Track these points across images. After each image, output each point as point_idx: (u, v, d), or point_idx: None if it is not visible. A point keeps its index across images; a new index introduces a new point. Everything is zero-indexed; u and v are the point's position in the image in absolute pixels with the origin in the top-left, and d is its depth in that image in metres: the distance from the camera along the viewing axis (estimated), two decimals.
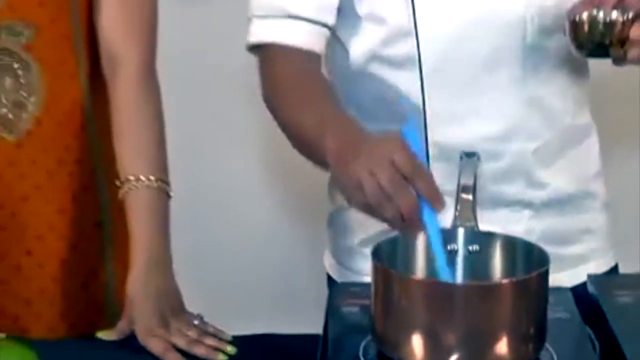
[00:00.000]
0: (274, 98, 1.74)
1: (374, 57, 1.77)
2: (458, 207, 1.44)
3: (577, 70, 1.83)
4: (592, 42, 1.58)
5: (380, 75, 1.77)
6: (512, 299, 1.31)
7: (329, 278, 1.90)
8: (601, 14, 1.55)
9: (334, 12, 1.76)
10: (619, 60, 1.60)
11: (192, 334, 1.52)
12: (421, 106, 1.72)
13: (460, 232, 1.41)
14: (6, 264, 1.64)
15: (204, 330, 1.53)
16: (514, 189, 1.76)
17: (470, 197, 1.43)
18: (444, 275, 1.38)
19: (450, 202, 1.47)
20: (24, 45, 1.67)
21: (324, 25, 1.75)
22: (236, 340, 1.51)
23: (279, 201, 2.57)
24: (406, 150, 1.40)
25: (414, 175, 1.36)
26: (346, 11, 1.77)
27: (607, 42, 1.57)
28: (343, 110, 1.70)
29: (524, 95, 1.75)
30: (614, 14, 1.55)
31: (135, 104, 1.71)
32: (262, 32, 1.76)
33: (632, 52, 1.57)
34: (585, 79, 1.86)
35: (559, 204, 1.81)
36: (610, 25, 1.56)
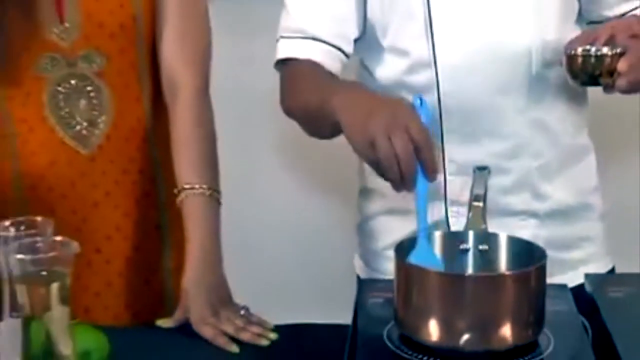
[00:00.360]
0: (292, 99, 1.82)
1: (398, 84, 1.83)
2: (470, 213, 1.51)
3: (576, 97, 1.90)
4: (585, 73, 1.68)
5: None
6: (515, 289, 1.37)
7: (358, 278, 1.93)
8: (593, 49, 1.65)
9: (352, 42, 1.84)
10: (609, 89, 1.69)
11: (239, 322, 1.58)
12: (439, 128, 1.78)
13: (471, 234, 1.49)
14: (79, 261, 1.63)
15: (249, 319, 1.60)
16: (520, 201, 1.83)
17: (481, 204, 1.51)
18: (422, 240, 1.47)
19: (464, 209, 1.58)
20: (96, 72, 1.76)
21: (341, 50, 1.82)
22: (277, 329, 1.58)
23: (315, 211, 2.57)
24: (419, 120, 1.48)
25: (424, 146, 1.44)
26: (371, 43, 1.84)
27: (598, 73, 1.66)
28: (349, 83, 1.77)
29: (529, 119, 1.82)
30: (604, 49, 1.64)
31: (192, 123, 1.78)
32: (286, 49, 1.83)
33: (620, 82, 1.65)
34: (584, 104, 1.93)
35: (560, 214, 1.87)
36: (600, 58, 1.65)
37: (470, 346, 1.34)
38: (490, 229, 1.54)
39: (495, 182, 1.67)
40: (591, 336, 1.42)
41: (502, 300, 1.37)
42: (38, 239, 1.38)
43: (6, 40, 1.73)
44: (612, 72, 1.65)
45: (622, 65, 1.64)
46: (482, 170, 1.57)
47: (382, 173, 1.48)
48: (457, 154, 1.72)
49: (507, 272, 1.46)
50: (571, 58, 1.68)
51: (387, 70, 1.86)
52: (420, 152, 1.45)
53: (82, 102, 1.77)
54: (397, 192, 1.51)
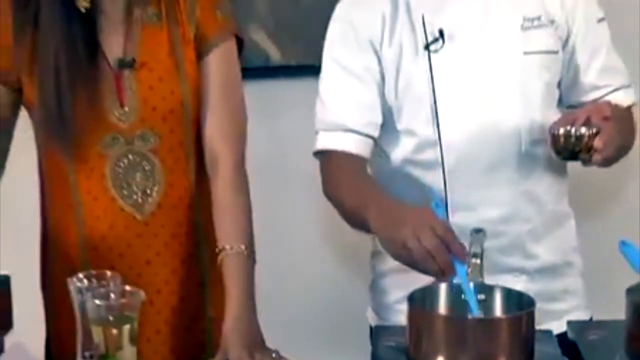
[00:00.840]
0: (332, 189, 1.91)
1: (408, 161, 1.93)
2: (470, 269, 1.59)
3: (559, 172, 1.98)
4: (567, 150, 1.76)
5: (413, 175, 1.91)
6: (509, 331, 1.47)
7: (371, 328, 2.00)
8: (573, 130, 1.73)
9: (378, 127, 1.92)
10: (587, 163, 1.76)
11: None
12: (444, 198, 1.88)
13: (471, 285, 1.56)
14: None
15: (279, 356, 1.64)
16: (513, 260, 1.90)
17: (478, 261, 1.59)
18: (474, 306, 1.54)
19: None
20: (150, 149, 1.83)
21: (371, 137, 1.91)
22: None
23: (334, 270, 2.60)
24: (440, 221, 1.60)
25: (449, 240, 1.56)
26: (389, 128, 1.93)
27: (578, 150, 1.74)
28: (382, 191, 1.84)
29: (520, 190, 1.90)
30: (582, 130, 1.72)
31: (230, 192, 1.83)
32: (325, 141, 1.93)
33: (596, 157, 1.73)
34: (565, 177, 2.00)
35: (547, 271, 1.94)
36: (580, 138, 1.73)
37: None
38: (487, 283, 1.62)
39: (491, 243, 1.71)
40: None
41: (498, 340, 1.46)
42: (111, 288, 1.48)
43: (75, 123, 1.79)
44: (589, 149, 1.73)
45: (598, 143, 1.71)
46: (478, 233, 1.62)
47: (421, 270, 1.59)
48: (458, 220, 1.76)
49: (502, 317, 1.54)
50: (555, 137, 1.75)
51: (399, 149, 1.94)
52: (450, 245, 1.56)
53: (138, 175, 1.84)
54: (441, 282, 1.60)
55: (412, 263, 1.60)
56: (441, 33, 1.86)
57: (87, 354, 1.51)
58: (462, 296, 1.58)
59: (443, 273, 1.57)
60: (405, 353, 1.52)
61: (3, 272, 1.76)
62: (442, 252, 1.56)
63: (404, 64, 1.90)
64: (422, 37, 1.88)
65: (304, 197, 2.53)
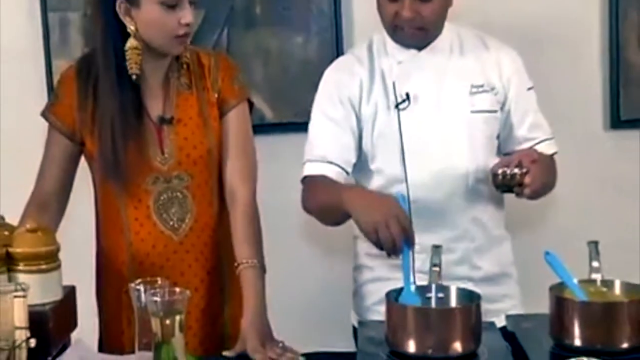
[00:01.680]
0: (310, 200, 1.96)
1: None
2: (432, 276, 1.71)
3: (498, 203, 2.08)
4: (504, 185, 1.87)
5: None
6: (462, 317, 1.60)
7: (353, 326, 2.10)
8: (508, 170, 1.84)
9: (352, 164, 2.00)
10: (519, 195, 1.87)
11: (279, 351, 1.72)
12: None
13: (433, 287, 1.70)
14: None
15: (285, 348, 1.74)
16: (462, 270, 2.00)
17: (437, 269, 1.71)
18: (407, 286, 1.66)
19: (425, 275, 1.79)
20: (184, 186, 1.91)
21: (345, 170, 1.99)
22: (304, 355, 1.72)
23: (325, 280, 2.62)
24: (404, 211, 1.71)
25: (408, 229, 1.68)
26: (364, 167, 2.04)
27: (512, 185, 1.85)
28: (351, 185, 1.93)
29: (468, 217, 2.02)
30: (515, 170, 1.83)
31: (245, 221, 1.90)
32: (310, 169, 1.98)
33: (525, 191, 1.84)
34: (502, 208, 2.11)
35: (489, 279, 2.04)
36: (513, 176, 1.84)
37: (435, 354, 1.57)
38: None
39: (446, 257, 1.80)
40: (511, 351, 1.64)
41: (454, 324, 1.59)
42: (165, 289, 1.54)
43: (127, 168, 1.86)
44: (521, 184, 1.83)
45: (527, 180, 1.82)
46: (437, 248, 1.73)
47: (380, 247, 1.70)
48: (421, 239, 1.79)
49: (457, 306, 1.68)
50: (495, 175, 1.86)
51: (373, 184, 2.02)
52: (406, 232, 1.68)
53: (175, 206, 1.91)
54: (390, 258, 1.73)
55: (377, 241, 1.69)
56: (408, 96, 1.97)
57: (144, 341, 1.57)
58: (426, 295, 1.70)
59: (395, 253, 1.69)
60: (385, 339, 1.63)
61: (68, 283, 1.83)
62: (401, 239, 1.67)
63: (378, 118, 1.99)
64: (393, 98, 1.98)
65: (295, 224, 2.62)
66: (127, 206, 1.92)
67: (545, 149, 2.02)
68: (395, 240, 1.67)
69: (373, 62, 2.03)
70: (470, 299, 1.68)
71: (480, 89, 2.00)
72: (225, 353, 1.77)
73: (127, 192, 1.91)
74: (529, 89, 2.06)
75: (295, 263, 2.59)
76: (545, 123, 2.08)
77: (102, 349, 1.93)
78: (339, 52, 2.57)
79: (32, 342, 1.59)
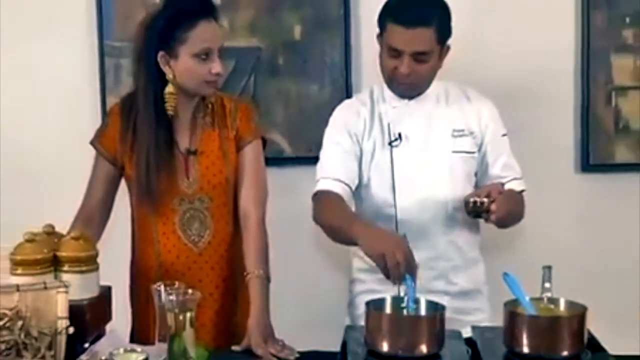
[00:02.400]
0: (321, 214, 1.99)
1: (373, 215, 2.06)
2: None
3: (474, 230, 2.14)
4: (474, 211, 1.93)
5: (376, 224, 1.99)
6: (428, 323, 1.66)
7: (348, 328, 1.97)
8: (478, 199, 1.91)
9: (355, 184, 2.04)
10: (487, 221, 1.92)
11: (279, 347, 1.78)
12: None
13: (406, 299, 1.71)
14: None
15: (284, 346, 1.80)
16: (440, 285, 2.05)
17: (414, 285, 1.75)
18: (411, 307, 1.68)
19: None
20: (205, 207, 1.97)
21: (350, 187, 2.03)
22: (299, 353, 1.79)
23: (325, 292, 2.60)
24: (407, 245, 1.76)
25: (411, 261, 1.73)
26: (360, 192, 2.08)
27: (480, 211, 1.91)
28: (359, 216, 1.98)
29: (446, 240, 2.07)
30: (485, 200, 1.90)
31: (256, 238, 1.95)
32: (321, 185, 2.02)
33: (492, 217, 1.89)
34: (477, 233, 2.14)
35: (463, 294, 2.09)
36: (482, 203, 1.90)
37: (403, 354, 1.62)
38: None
39: (426, 274, 1.89)
40: (470, 356, 1.69)
41: (421, 329, 1.66)
42: (180, 290, 1.63)
43: (158, 191, 1.93)
44: (488, 211, 1.89)
45: (493, 207, 1.88)
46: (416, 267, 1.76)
47: (386, 273, 1.73)
48: None
49: (423, 315, 1.73)
50: (467, 203, 1.92)
51: (367, 207, 2.09)
52: (409, 264, 1.73)
53: (196, 223, 1.98)
54: (394, 284, 1.77)
55: (383, 267, 1.73)
56: (400, 135, 2.03)
57: (162, 334, 1.65)
58: (400, 305, 1.74)
59: (399, 280, 1.73)
60: (365, 340, 1.69)
61: (106, 283, 1.92)
62: (404, 266, 1.71)
63: (376, 153, 2.05)
64: (387, 137, 2.04)
65: (305, 243, 2.65)
66: (157, 222, 1.99)
67: (515, 186, 2.06)
68: (401, 267, 1.71)
69: (373, 106, 2.09)
70: (435, 309, 1.74)
71: (461, 133, 2.05)
72: (234, 348, 1.83)
73: (157, 211, 1.97)
74: (503, 135, 2.10)
75: (301, 275, 2.61)
76: (517, 165, 2.11)
77: (132, 339, 1.97)
78: (348, 97, 2.59)
79: (71, 330, 1.68)
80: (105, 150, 2.00)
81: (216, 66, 1.89)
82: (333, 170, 2.03)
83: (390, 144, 2.04)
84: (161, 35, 1.86)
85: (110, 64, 2.65)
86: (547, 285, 1.79)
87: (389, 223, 2.04)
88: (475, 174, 2.11)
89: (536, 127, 2.62)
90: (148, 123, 1.91)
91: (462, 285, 2.10)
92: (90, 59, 2.64)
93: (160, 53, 1.88)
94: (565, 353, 1.66)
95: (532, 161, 2.32)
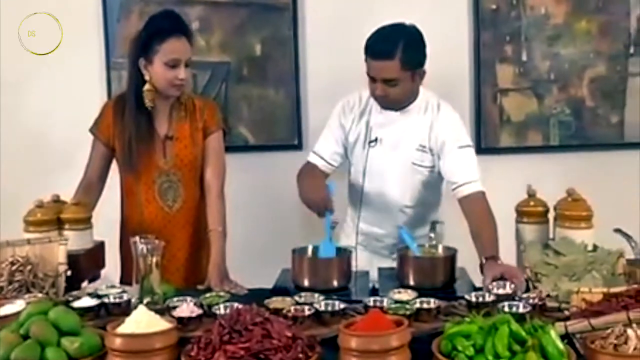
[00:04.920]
0: (298, 176, 1.96)
1: (350, 187, 2.05)
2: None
3: (420, 220, 2.01)
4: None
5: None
6: (338, 266, 1.70)
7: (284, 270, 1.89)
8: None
9: (337, 163, 2.00)
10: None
11: (232, 285, 1.77)
12: (359, 216, 2.01)
13: (334, 248, 1.78)
14: (167, 259, 1.84)
15: (236, 284, 1.79)
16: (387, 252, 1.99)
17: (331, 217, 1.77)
18: (327, 237, 1.73)
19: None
20: (178, 178, 1.95)
21: (330, 164, 2.00)
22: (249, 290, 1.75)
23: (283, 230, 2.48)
24: (329, 191, 1.80)
25: (328, 203, 1.78)
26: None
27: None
28: (320, 179, 1.91)
29: (393, 224, 1.99)
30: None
31: (216, 202, 1.94)
32: (310, 157, 2.01)
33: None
34: (425, 224, 1.98)
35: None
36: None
37: (320, 287, 1.65)
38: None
39: (376, 244, 1.96)
40: (372, 288, 1.72)
41: (332, 268, 1.71)
42: (149, 241, 1.58)
43: (138, 165, 1.91)
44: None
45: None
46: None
47: (314, 211, 1.78)
48: (364, 228, 1.96)
49: (334, 257, 1.75)
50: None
51: (348, 181, 2.05)
52: (328, 203, 1.78)
53: (171, 192, 1.96)
54: (320, 217, 1.78)
55: (310, 207, 1.77)
56: (376, 139, 1.96)
57: (139, 277, 1.58)
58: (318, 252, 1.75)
59: (321, 214, 1.77)
60: (292, 278, 1.74)
61: (100, 239, 1.93)
62: (324, 207, 1.77)
63: (356, 146, 2.00)
64: (368, 137, 1.98)
65: (265, 210, 2.56)
66: (140, 191, 1.97)
67: (473, 187, 1.87)
68: (320, 208, 1.76)
69: (366, 107, 2.01)
70: (344, 254, 1.77)
71: (423, 149, 1.94)
72: (199, 286, 1.82)
73: (141, 182, 1.96)
74: (462, 147, 1.91)
75: (254, 230, 2.57)
76: (475, 171, 1.90)
77: (122, 282, 1.95)
78: (298, 99, 2.62)
79: (68, 273, 1.71)
80: (101, 135, 1.98)
81: (181, 73, 1.87)
82: (321, 148, 2.01)
83: (368, 144, 1.97)
84: (142, 45, 1.87)
85: (114, 75, 2.61)
86: (431, 235, 1.84)
87: (357, 198, 2.02)
88: (439, 175, 1.98)
89: None
90: (131, 113, 1.90)
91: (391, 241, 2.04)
92: (100, 72, 2.63)
93: (141, 59, 1.88)
94: (440, 284, 1.70)
95: None
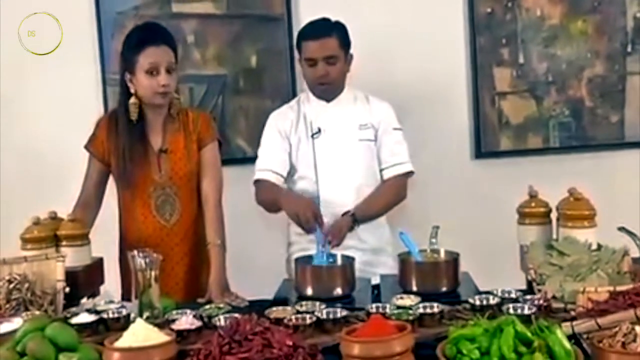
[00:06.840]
0: (258, 196, 2.03)
1: (301, 191, 2.06)
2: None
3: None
4: None
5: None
6: (340, 273, 1.68)
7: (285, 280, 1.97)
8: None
9: (286, 173, 2.05)
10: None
11: (233, 297, 1.77)
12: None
13: (324, 255, 1.77)
14: (166, 273, 1.84)
15: (237, 296, 1.78)
16: (353, 242, 1.99)
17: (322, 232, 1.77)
18: (319, 251, 1.72)
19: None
20: (174, 192, 1.95)
21: (282, 176, 2.06)
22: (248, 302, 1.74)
23: (269, 251, 2.42)
24: (316, 205, 1.84)
25: (317, 216, 1.80)
26: (292, 176, 2.08)
27: None
28: (285, 190, 1.99)
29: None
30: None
31: (214, 215, 1.93)
32: (259, 175, 2.05)
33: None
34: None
35: (372, 251, 2.06)
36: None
37: (323, 295, 1.63)
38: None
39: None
40: (375, 295, 1.72)
41: (336, 276, 1.69)
42: (147, 255, 1.56)
43: (136, 181, 1.91)
44: None
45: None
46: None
47: (301, 227, 1.81)
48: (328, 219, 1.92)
49: (338, 265, 1.75)
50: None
51: (297, 186, 2.09)
52: (317, 216, 1.81)
53: (168, 206, 1.96)
54: (308, 234, 1.83)
55: (298, 223, 1.80)
56: (319, 129, 2.04)
57: (138, 292, 1.55)
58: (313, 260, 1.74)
59: (309, 231, 1.80)
60: (295, 287, 1.73)
61: (100, 255, 1.91)
62: (314, 222, 1.79)
63: (301, 144, 2.05)
64: (310, 131, 2.06)
65: (259, 220, 2.49)
66: (137, 206, 1.97)
67: (399, 170, 2.05)
68: (310, 223, 1.77)
69: (300, 109, 2.10)
70: (347, 261, 1.76)
71: (365, 127, 2.08)
72: (199, 300, 1.81)
73: (137, 196, 1.96)
74: (395, 129, 2.09)
75: (254, 241, 2.55)
76: (404, 153, 2.07)
77: (123, 298, 1.94)
78: None
79: (67, 289, 1.69)
80: (96, 152, 1.98)
81: (162, 79, 1.86)
82: (268, 162, 2.05)
83: (312, 136, 2.04)
84: (124, 60, 1.89)
85: (110, 91, 2.60)
86: (433, 240, 1.80)
87: (314, 199, 2.01)
88: (378, 157, 2.08)
89: (439, 125, 2.63)
90: (124, 128, 1.91)
91: (371, 243, 2.08)
92: (96, 87, 2.64)
93: (126, 73, 1.90)
94: (444, 289, 1.68)
95: (437, 151, 2.41)
